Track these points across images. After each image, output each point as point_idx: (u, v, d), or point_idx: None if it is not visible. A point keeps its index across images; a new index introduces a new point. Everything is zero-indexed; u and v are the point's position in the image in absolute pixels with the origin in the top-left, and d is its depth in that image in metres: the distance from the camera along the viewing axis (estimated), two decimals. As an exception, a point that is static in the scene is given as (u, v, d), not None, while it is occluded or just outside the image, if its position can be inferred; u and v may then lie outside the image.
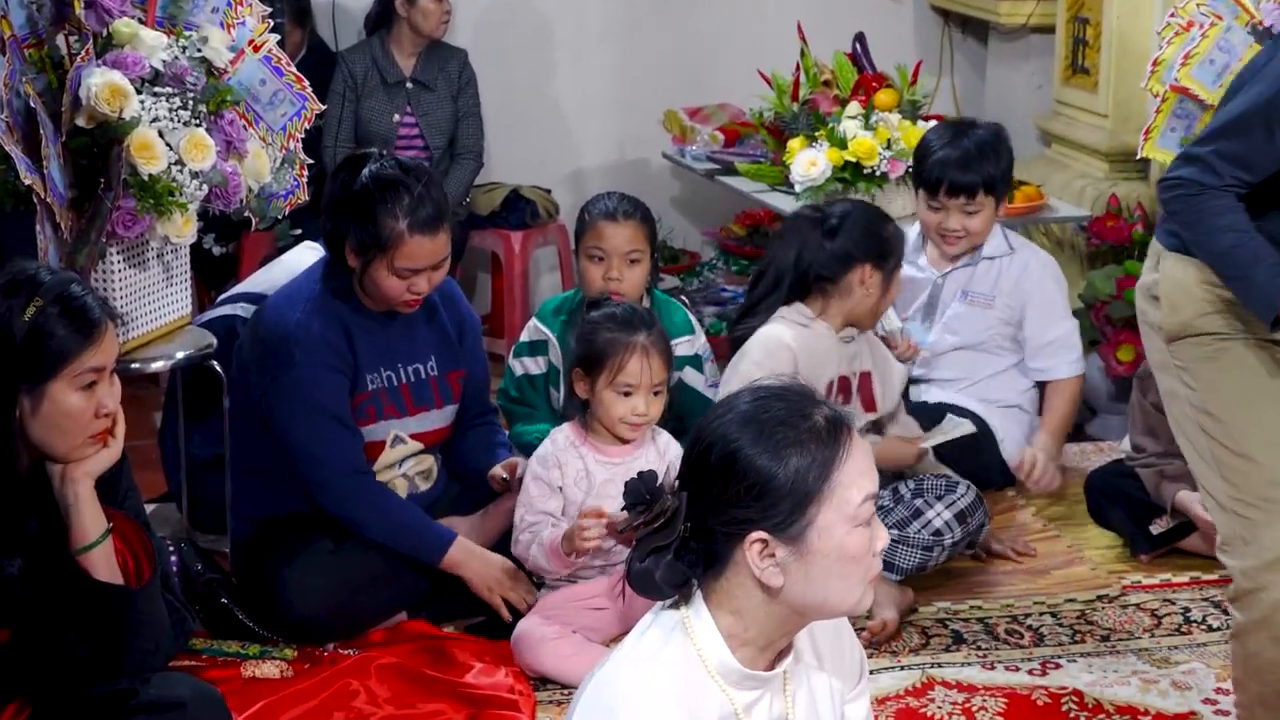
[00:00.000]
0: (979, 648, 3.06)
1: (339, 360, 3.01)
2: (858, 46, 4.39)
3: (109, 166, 2.81)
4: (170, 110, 2.88)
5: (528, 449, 3.37)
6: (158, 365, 3.08)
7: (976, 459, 3.53)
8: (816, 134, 4.05)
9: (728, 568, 1.69)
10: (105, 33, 2.88)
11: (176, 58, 2.93)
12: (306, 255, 3.36)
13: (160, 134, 2.86)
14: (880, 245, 3.21)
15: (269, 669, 2.91)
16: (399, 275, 2.95)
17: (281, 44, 3.20)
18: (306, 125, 3.16)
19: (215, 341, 3.15)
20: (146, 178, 2.85)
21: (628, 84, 5.19)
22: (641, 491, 1.70)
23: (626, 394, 2.96)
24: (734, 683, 1.70)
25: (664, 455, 3.00)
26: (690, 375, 3.42)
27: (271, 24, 3.12)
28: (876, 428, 3.38)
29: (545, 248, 5.03)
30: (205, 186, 2.93)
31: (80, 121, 2.82)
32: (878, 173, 3.96)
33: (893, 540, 3.13)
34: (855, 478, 1.67)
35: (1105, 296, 4.08)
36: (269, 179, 3.08)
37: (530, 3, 5.17)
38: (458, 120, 4.68)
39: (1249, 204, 2.35)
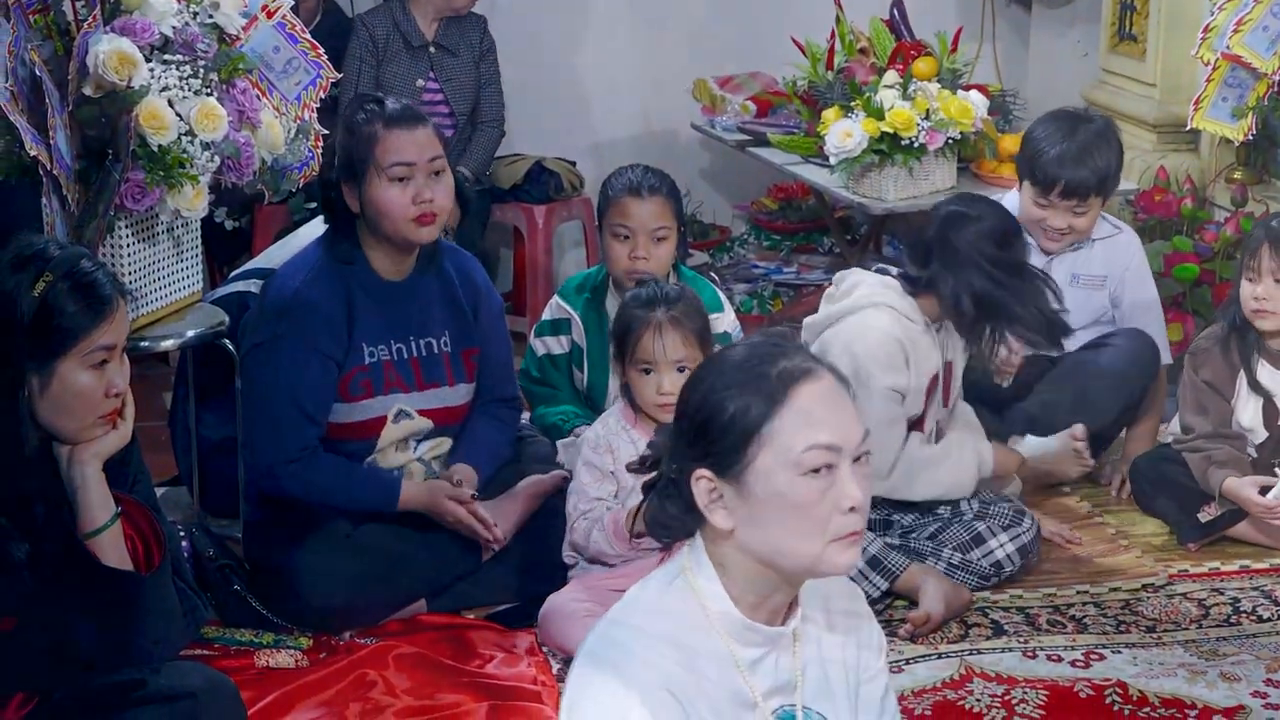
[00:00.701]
0: (1020, 638, 2.99)
1: (329, 336, 2.97)
2: (895, 13, 4.36)
3: (117, 137, 2.77)
4: (180, 79, 2.85)
5: (551, 431, 3.31)
6: (168, 344, 3.06)
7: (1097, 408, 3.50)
8: (852, 104, 4.00)
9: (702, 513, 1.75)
10: (113, -3, 2.83)
11: (187, 24, 2.90)
12: (321, 229, 3.29)
13: (170, 103, 2.82)
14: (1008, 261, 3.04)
15: (283, 658, 2.88)
16: (394, 180, 2.91)
17: (296, 9, 3.19)
18: (322, 94, 3.14)
19: (227, 319, 3.13)
20: (156, 149, 2.81)
21: (656, 51, 5.12)
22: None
23: (646, 372, 2.91)
24: (734, 634, 1.73)
25: None
26: (720, 354, 3.34)
27: (285, -11, 3.08)
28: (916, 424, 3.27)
29: (570, 222, 4.95)
30: (217, 158, 2.90)
31: (87, 90, 2.78)
32: (916, 144, 3.92)
33: (953, 565, 3.12)
34: (801, 425, 1.68)
35: (1153, 274, 3.98)
36: (283, 150, 3.05)
37: (556, -32, 5.10)
38: (479, 87, 4.61)
39: None
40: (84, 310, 2.11)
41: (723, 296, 3.50)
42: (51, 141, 2.72)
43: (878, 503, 3.12)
